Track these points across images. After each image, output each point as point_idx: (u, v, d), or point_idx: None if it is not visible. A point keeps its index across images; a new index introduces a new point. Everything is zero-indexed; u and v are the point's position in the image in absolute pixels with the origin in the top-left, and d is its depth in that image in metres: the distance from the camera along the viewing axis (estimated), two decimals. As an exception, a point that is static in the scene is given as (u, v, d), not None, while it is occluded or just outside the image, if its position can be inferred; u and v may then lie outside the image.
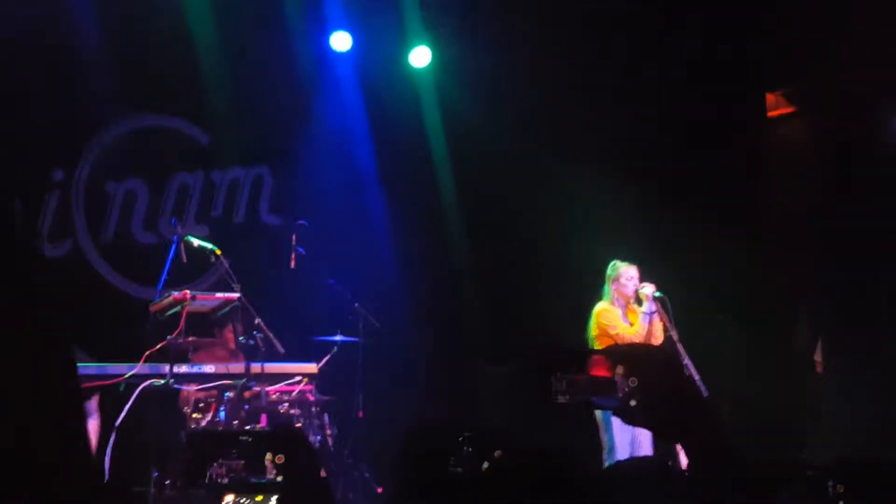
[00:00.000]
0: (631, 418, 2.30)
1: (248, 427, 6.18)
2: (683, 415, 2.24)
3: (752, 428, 7.37)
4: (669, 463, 6.73)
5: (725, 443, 2.26)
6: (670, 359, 2.25)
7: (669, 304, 6.86)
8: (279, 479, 3.35)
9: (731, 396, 7.44)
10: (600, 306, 7.01)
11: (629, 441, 6.72)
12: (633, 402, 2.26)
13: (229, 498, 4.70)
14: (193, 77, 8.26)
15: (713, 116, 8.25)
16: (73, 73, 7.89)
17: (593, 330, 6.98)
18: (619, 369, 2.27)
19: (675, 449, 6.65)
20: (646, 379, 2.26)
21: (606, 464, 6.73)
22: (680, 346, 6.81)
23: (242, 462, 4.97)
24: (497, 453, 2.91)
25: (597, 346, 6.94)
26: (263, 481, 5.81)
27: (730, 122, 8.34)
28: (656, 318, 6.86)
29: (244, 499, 4.70)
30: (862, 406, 7.35)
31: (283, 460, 3.15)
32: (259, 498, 4.58)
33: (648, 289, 6.86)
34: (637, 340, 6.86)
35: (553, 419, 5.57)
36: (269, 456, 4.53)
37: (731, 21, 8.03)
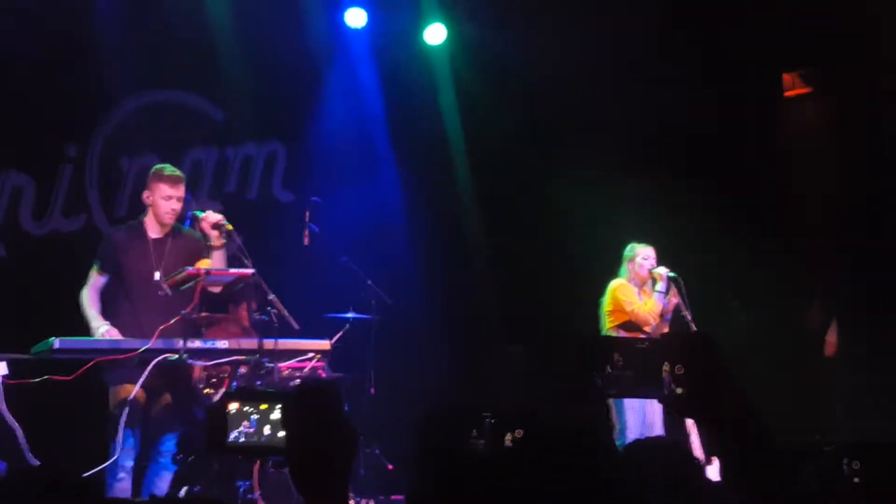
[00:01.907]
0: (679, 408, 2.25)
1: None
2: (728, 403, 2.20)
3: (764, 412, 7.34)
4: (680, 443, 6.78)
5: (763, 429, 2.22)
6: (714, 346, 2.20)
7: (683, 285, 6.95)
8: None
9: (744, 381, 7.41)
10: (617, 282, 7.08)
11: (640, 422, 6.76)
12: (678, 391, 2.22)
13: (234, 405, 4.68)
14: (208, 53, 8.22)
15: (729, 97, 8.18)
16: (88, 46, 7.86)
17: (608, 305, 7.04)
18: (666, 365, 2.23)
19: (686, 431, 6.67)
20: (691, 368, 2.22)
21: (617, 444, 6.74)
22: (693, 328, 6.89)
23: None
24: (518, 432, 2.89)
25: (610, 321, 7.00)
26: (269, 390, 5.78)
27: (746, 103, 8.27)
28: (670, 298, 6.96)
29: (248, 407, 4.69)
30: (877, 392, 7.31)
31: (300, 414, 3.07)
32: (263, 406, 4.56)
33: (662, 269, 6.98)
34: (652, 318, 6.91)
35: (564, 401, 5.55)
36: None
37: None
